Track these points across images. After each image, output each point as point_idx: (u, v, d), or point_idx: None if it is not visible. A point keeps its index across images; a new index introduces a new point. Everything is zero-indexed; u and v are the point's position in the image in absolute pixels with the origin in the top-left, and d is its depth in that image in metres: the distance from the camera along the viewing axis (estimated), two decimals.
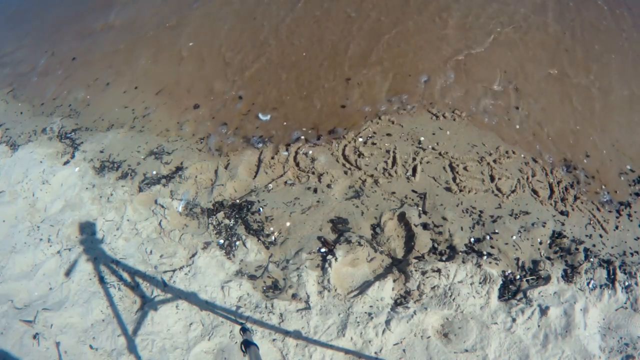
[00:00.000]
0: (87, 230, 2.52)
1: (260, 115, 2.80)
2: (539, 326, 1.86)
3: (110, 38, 4.30)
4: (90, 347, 2.02)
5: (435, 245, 2.15)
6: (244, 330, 1.52)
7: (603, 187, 2.40)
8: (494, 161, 2.49)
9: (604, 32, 3.30)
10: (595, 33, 3.29)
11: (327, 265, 2.10)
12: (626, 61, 3.10)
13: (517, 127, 2.70)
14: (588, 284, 1.98)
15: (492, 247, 2.11)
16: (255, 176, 2.59)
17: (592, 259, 2.06)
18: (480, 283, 1.98)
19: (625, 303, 1.94)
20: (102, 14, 4.73)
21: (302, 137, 2.76)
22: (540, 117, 2.75)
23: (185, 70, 3.57)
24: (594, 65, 3.06)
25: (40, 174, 2.92)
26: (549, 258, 2.09)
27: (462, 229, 2.19)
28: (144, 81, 3.59)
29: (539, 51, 3.14)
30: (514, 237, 2.14)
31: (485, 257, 2.07)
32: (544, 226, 2.18)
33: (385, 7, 3.55)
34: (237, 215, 2.40)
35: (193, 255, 2.26)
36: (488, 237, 2.15)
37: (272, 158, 2.66)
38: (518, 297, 1.95)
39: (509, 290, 1.99)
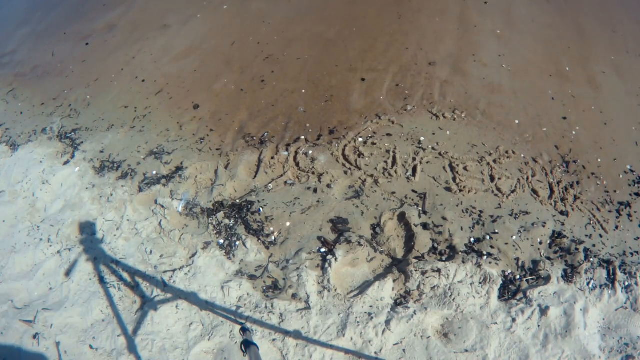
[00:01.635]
0: (87, 230, 2.52)
1: None
2: (539, 326, 1.86)
3: (110, 38, 4.31)
4: (90, 347, 2.02)
5: (435, 245, 2.15)
6: (244, 330, 1.52)
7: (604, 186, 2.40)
8: (494, 161, 2.49)
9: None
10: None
11: (327, 265, 2.10)
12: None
13: (517, 123, 2.70)
14: (588, 284, 1.98)
15: (492, 247, 2.11)
16: (255, 176, 2.59)
17: (592, 259, 2.06)
18: (480, 283, 1.98)
19: (625, 303, 1.94)
20: (102, 13, 4.73)
21: (302, 137, 2.76)
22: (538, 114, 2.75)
23: (186, 70, 3.57)
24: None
25: (40, 174, 2.92)
26: (549, 258, 2.09)
27: (462, 229, 2.19)
28: (144, 81, 3.59)
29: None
30: (514, 237, 2.14)
31: (485, 257, 2.07)
32: (544, 226, 2.17)
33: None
34: (237, 215, 2.40)
35: (193, 255, 2.26)
36: (488, 237, 2.15)
37: (272, 158, 2.66)
38: (518, 297, 1.95)
39: (509, 290, 1.99)
